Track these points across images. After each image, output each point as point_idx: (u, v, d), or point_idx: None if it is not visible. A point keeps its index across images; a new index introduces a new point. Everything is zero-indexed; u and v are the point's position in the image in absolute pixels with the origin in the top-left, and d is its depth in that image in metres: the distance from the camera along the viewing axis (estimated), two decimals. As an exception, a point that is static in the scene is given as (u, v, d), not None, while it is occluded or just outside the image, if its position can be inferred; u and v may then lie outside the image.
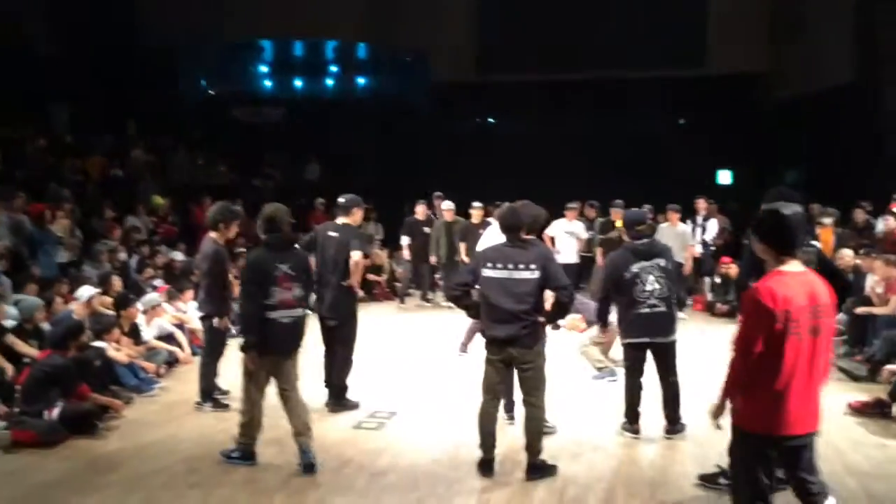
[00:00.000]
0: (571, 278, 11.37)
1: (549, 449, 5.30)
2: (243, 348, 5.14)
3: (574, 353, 7.55)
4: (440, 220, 11.92)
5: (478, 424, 5.13)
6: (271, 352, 5.14)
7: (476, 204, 11.53)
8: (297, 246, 5.69)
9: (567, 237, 11.57)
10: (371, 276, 12.91)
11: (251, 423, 5.28)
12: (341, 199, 6.74)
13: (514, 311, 4.88)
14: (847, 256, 9.86)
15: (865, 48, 14.04)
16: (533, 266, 4.90)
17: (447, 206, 11.94)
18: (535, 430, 5.06)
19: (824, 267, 4.57)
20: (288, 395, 5.25)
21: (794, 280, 3.47)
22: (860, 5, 14.42)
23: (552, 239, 11.42)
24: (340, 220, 6.63)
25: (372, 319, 10.56)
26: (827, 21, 17.13)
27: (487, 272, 4.97)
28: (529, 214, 5.59)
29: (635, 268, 5.69)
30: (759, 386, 3.44)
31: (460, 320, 8.14)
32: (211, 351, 6.76)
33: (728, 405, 3.60)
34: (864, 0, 14.18)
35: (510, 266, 4.91)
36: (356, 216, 6.65)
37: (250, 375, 5.24)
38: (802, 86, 18.14)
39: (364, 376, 7.23)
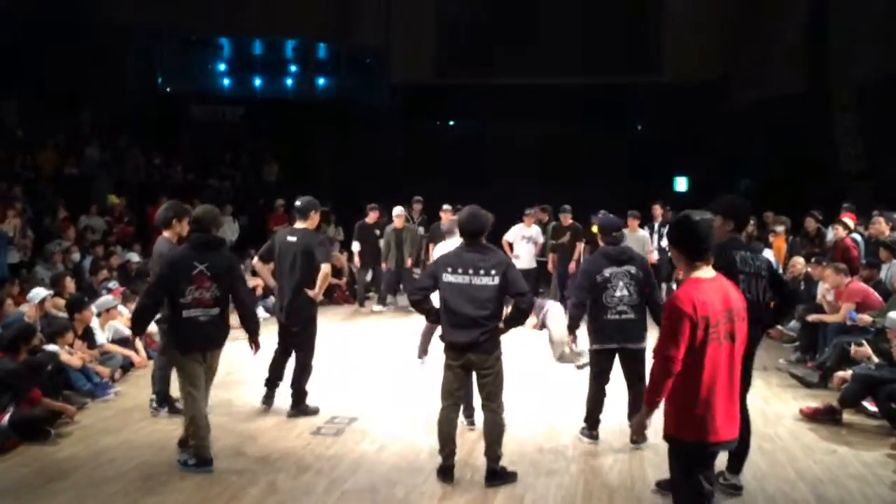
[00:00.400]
0: (530, 283, 11.48)
1: (509, 455, 5.34)
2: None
3: (534, 355, 7.61)
4: (390, 227, 11.81)
5: (438, 430, 5.13)
6: (194, 349, 5.30)
7: (445, 206, 11.55)
8: (223, 247, 5.62)
9: (525, 242, 11.62)
10: (331, 280, 12.81)
11: (195, 423, 5.27)
12: (298, 203, 6.69)
13: (474, 316, 4.89)
14: (799, 265, 10.12)
15: (817, 58, 14.40)
16: (493, 272, 4.90)
17: (397, 211, 11.79)
18: (495, 435, 5.08)
19: (772, 277, 4.77)
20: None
21: (709, 286, 3.50)
22: (811, 16, 14.79)
23: (510, 244, 11.50)
24: (298, 225, 6.59)
25: (331, 323, 10.52)
26: (780, 31, 17.57)
27: (448, 277, 4.97)
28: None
29: (607, 272, 5.74)
30: (684, 394, 3.45)
31: (419, 325, 8.16)
32: (166, 354, 6.64)
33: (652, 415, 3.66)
34: (815, 11, 14.53)
35: (470, 272, 4.92)
36: (314, 219, 6.61)
37: (185, 374, 5.31)
38: (756, 94, 18.56)
39: (323, 381, 7.18)
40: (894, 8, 13.59)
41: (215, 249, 5.38)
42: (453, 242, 6.06)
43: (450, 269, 4.97)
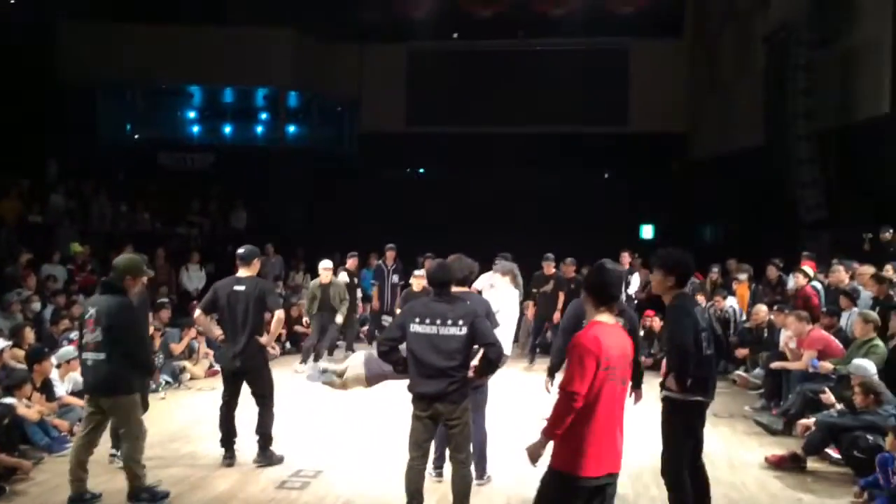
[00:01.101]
0: None
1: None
2: None
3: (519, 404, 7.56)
4: (315, 281, 11.33)
5: (405, 482, 5.07)
6: (88, 390, 5.71)
7: (417, 272, 11.00)
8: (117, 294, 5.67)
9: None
10: (297, 328, 12.73)
11: (74, 462, 5.61)
12: (241, 251, 6.66)
13: (442, 367, 4.87)
14: (762, 312, 10.27)
15: (774, 112, 14.79)
16: (461, 322, 4.89)
17: (324, 265, 11.23)
18: (463, 491, 5.02)
19: (711, 328, 4.94)
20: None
21: (611, 330, 3.76)
22: (768, 72, 15.23)
23: (479, 292, 11.45)
24: (242, 273, 6.54)
25: (296, 371, 10.38)
26: (739, 86, 18.09)
27: (415, 327, 4.95)
28: (465, 267, 5.68)
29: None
30: (574, 428, 3.64)
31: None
32: None
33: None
34: (772, 66, 14.97)
35: (438, 322, 4.90)
36: (255, 267, 6.64)
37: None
38: (718, 146, 19.01)
39: (288, 431, 7.09)
40: (851, 60, 14.05)
41: (109, 295, 5.57)
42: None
43: (417, 319, 4.96)
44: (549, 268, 11.74)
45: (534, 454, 3.77)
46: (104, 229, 15.44)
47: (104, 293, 5.55)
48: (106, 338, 5.37)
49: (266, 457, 6.52)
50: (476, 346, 5.00)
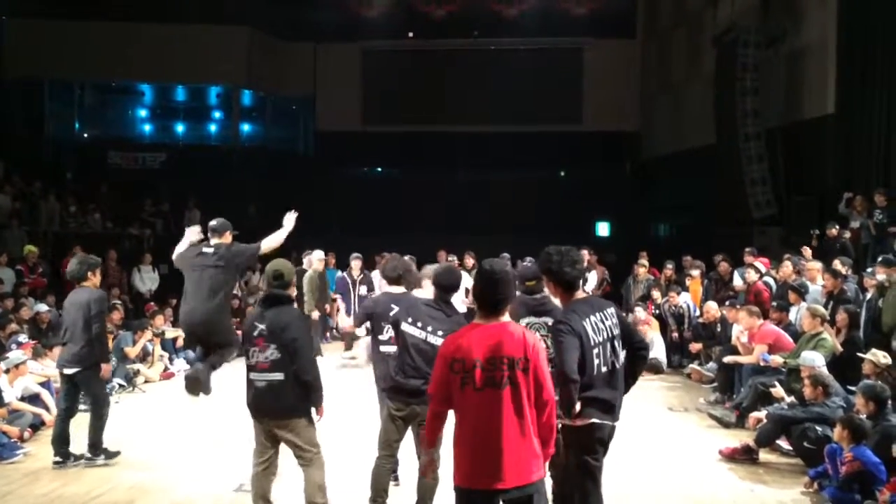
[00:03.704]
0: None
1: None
2: None
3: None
4: (310, 272, 11.32)
5: (371, 480, 5.05)
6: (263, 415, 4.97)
7: (385, 254, 11.33)
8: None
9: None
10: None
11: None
12: (213, 223, 6.35)
13: (424, 370, 4.83)
14: (713, 309, 10.48)
15: (724, 111, 15.11)
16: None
17: (318, 255, 11.42)
18: (430, 489, 4.99)
19: (624, 330, 4.43)
20: None
21: (482, 332, 3.49)
22: (718, 72, 15.55)
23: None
24: (214, 241, 6.25)
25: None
26: (690, 85, 18.44)
27: (405, 326, 4.96)
28: (399, 266, 5.67)
29: (524, 322, 5.70)
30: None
31: (351, 374, 8.07)
32: (105, 401, 6.66)
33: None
34: (722, 66, 15.28)
35: (428, 329, 4.89)
36: (229, 238, 6.36)
37: None
38: (671, 145, 19.36)
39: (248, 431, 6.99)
40: (797, 61, 14.42)
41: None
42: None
43: (410, 319, 4.96)
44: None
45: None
46: (53, 230, 15.06)
47: (273, 306, 4.79)
48: (285, 356, 4.68)
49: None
50: None
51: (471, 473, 3.44)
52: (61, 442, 6.46)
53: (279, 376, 4.66)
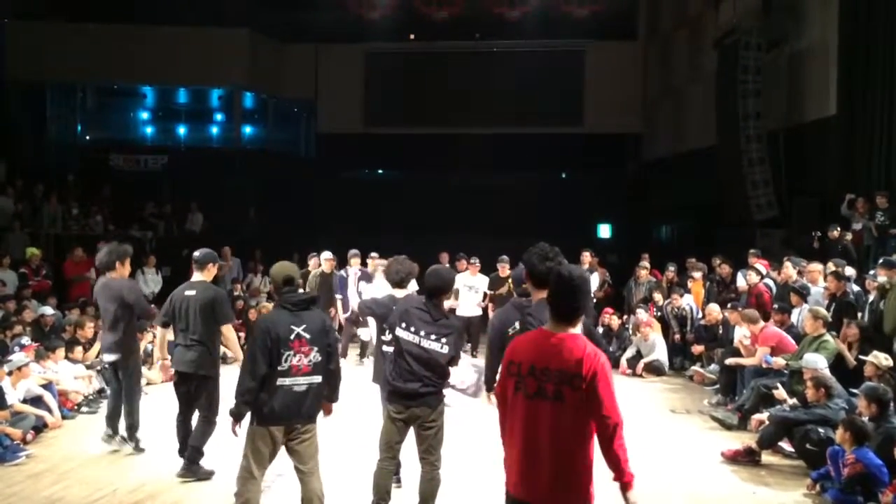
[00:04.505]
0: (473, 331, 11.46)
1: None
2: None
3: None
4: (316, 271, 11.58)
5: (373, 482, 5.05)
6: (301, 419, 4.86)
7: (373, 254, 11.52)
8: None
9: (468, 291, 11.63)
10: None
11: None
12: (196, 254, 6.43)
13: (422, 374, 4.88)
14: (714, 311, 10.48)
15: (726, 113, 15.11)
16: (444, 340, 4.89)
17: (326, 256, 11.59)
18: (431, 490, 5.01)
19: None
20: None
21: (544, 338, 3.35)
22: (720, 74, 15.55)
23: (456, 291, 11.38)
24: (196, 277, 6.33)
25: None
26: (692, 87, 18.44)
27: (401, 332, 4.95)
28: (402, 269, 5.67)
29: (518, 325, 5.32)
30: (506, 441, 3.46)
31: (349, 378, 8.02)
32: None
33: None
34: (723, 69, 15.29)
35: (422, 334, 4.89)
36: (211, 272, 6.40)
37: None
38: (673, 147, 19.36)
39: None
40: (798, 63, 14.42)
41: None
42: (379, 287, 5.93)
43: (404, 325, 4.96)
44: (503, 269, 11.68)
45: None
46: (55, 232, 15.08)
47: (306, 309, 4.72)
48: (324, 358, 4.70)
49: (192, 471, 6.22)
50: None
51: (516, 482, 3.33)
52: (114, 416, 6.87)
53: (318, 379, 4.66)
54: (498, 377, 3.55)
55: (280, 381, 4.54)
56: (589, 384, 3.17)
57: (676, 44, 19.72)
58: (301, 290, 4.96)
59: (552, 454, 3.21)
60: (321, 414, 4.87)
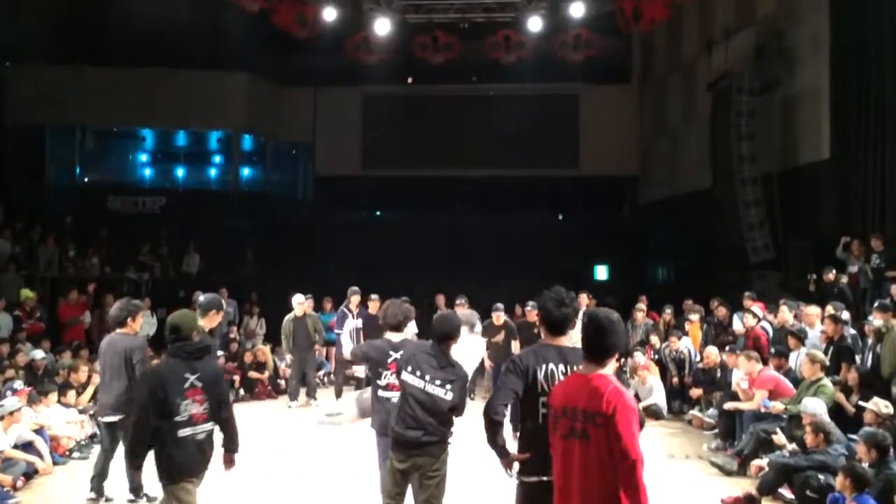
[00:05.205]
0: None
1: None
2: None
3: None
4: (289, 315, 11.71)
5: None
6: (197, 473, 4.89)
7: (373, 296, 11.52)
8: None
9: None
10: (253, 374, 12.54)
11: None
12: (201, 299, 6.38)
13: (424, 421, 4.82)
14: (712, 354, 10.44)
15: (720, 156, 15.24)
16: (449, 386, 4.84)
17: (298, 299, 11.71)
18: None
19: None
20: None
21: (576, 379, 3.52)
22: (713, 117, 15.72)
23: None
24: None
25: (253, 420, 10.19)
26: (686, 130, 18.64)
27: (406, 376, 4.91)
28: (399, 313, 5.65)
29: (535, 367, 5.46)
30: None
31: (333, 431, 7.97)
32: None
33: None
34: (717, 112, 15.46)
35: (427, 378, 4.86)
36: (213, 319, 6.21)
37: None
38: (669, 189, 19.48)
39: (246, 483, 6.91)
40: (791, 107, 14.59)
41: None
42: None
43: (409, 368, 4.92)
44: (497, 318, 11.55)
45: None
46: (51, 275, 15.05)
47: (202, 357, 4.78)
48: (215, 407, 4.75)
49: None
50: None
51: None
52: (101, 478, 6.60)
53: (211, 426, 4.73)
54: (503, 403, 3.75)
55: (182, 433, 4.53)
56: (609, 420, 3.27)
57: (670, 87, 19.97)
58: (196, 338, 4.91)
59: (581, 493, 3.33)
60: (223, 468, 4.88)
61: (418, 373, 4.87)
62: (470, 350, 6.88)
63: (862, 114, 12.52)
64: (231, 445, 4.90)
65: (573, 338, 4.12)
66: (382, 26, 16.87)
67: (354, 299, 11.70)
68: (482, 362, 11.19)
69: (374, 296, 11.66)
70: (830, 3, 13.22)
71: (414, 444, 4.83)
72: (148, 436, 4.51)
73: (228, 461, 4.95)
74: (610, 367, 3.50)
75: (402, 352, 5.21)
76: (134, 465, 4.64)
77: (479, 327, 10.61)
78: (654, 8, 15.62)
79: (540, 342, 4.16)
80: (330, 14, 16.42)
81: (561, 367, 3.93)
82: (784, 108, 14.81)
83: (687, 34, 18.82)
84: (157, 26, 17.70)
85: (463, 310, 11.34)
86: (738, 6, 16.36)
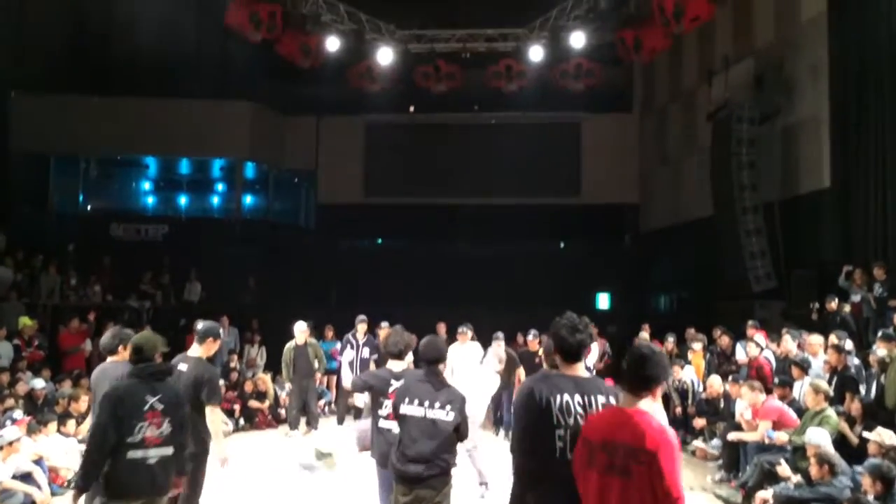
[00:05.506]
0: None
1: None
2: None
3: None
4: (290, 343, 11.52)
5: None
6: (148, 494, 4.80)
7: (384, 323, 11.53)
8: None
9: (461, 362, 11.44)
10: (253, 403, 12.47)
11: None
12: (199, 326, 6.30)
13: (427, 451, 4.80)
14: (716, 384, 10.37)
15: (721, 184, 15.26)
16: (449, 407, 4.85)
17: (300, 327, 11.54)
18: None
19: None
20: None
21: (615, 413, 3.48)
22: (714, 146, 15.77)
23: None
24: (192, 352, 6.15)
25: (253, 450, 10.12)
26: (687, 159, 18.70)
27: (406, 409, 4.89)
28: (400, 342, 5.64)
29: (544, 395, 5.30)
30: None
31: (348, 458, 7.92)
32: None
33: None
34: (717, 141, 15.51)
35: (426, 404, 4.85)
36: (210, 347, 6.18)
37: None
38: (670, 217, 19.51)
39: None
40: (791, 136, 14.65)
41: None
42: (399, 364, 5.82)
43: (407, 400, 4.92)
44: (498, 346, 11.42)
45: None
46: (52, 303, 15.05)
47: (164, 379, 4.82)
48: (177, 429, 4.73)
49: None
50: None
51: None
52: None
53: (169, 451, 4.69)
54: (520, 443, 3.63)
55: (131, 454, 4.51)
56: (653, 458, 3.23)
57: (671, 116, 20.08)
58: (158, 360, 4.93)
59: None
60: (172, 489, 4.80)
61: (417, 401, 4.87)
62: (482, 385, 6.84)
63: (862, 142, 12.56)
64: (181, 468, 4.85)
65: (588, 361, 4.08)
66: (385, 56, 17.04)
67: (361, 327, 11.65)
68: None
69: (384, 324, 11.63)
70: (829, 33, 13.33)
71: (416, 478, 4.80)
72: (106, 457, 4.48)
73: (177, 484, 4.89)
74: (649, 401, 3.41)
75: (398, 385, 5.20)
76: (84, 484, 4.52)
77: (491, 361, 10.59)
78: (654, 38, 15.77)
79: (543, 371, 4.07)
80: (333, 44, 16.59)
81: (577, 398, 3.75)
82: (784, 137, 14.87)
83: (687, 64, 18.98)
84: (160, 55, 17.87)
85: (465, 340, 11.31)
86: (737, 36, 16.51)
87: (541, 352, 9.01)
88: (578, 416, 3.69)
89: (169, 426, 4.66)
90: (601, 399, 3.76)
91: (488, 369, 10.92)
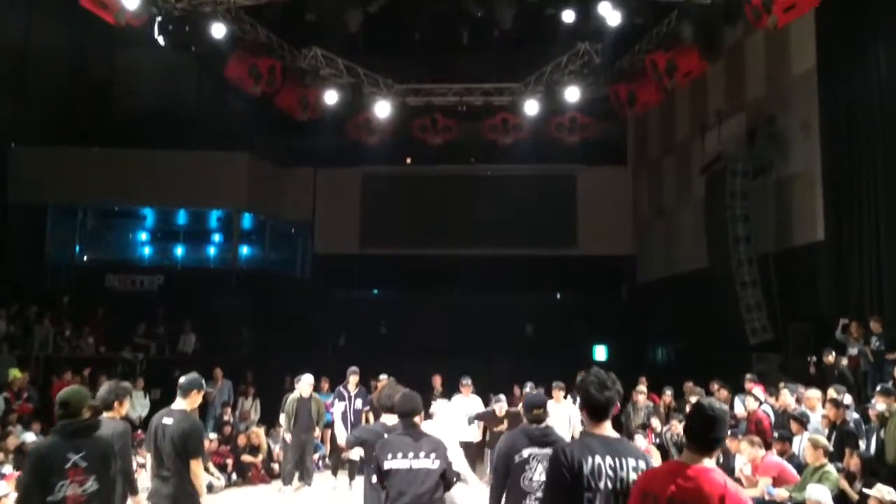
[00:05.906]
0: (470, 455, 11.14)
1: None
2: None
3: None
4: (293, 395, 11.37)
5: None
6: None
7: (382, 376, 11.43)
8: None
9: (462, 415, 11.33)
10: (246, 458, 12.28)
11: None
12: (182, 380, 6.17)
13: (414, 496, 4.86)
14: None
15: (716, 237, 15.34)
16: (433, 455, 4.97)
17: (307, 380, 11.37)
18: None
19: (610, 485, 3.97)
20: None
21: (678, 469, 3.43)
22: (708, 199, 15.89)
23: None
24: (177, 405, 6.04)
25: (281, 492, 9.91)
26: (682, 211, 18.83)
27: (389, 464, 4.93)
28: (395, 395, 5.64)
29: (526, 452, 5.10)
30: None
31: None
32: None
33: None
34: (711, 194, 15.64)
35: (410, 455, 4.95)
36: (194, 400, 6.09)
37: None
38: (666, 269, 19.55)
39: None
40: (786, 187, 14.78)
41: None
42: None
43: (390, 455, 4.97)
44: (500, 410, 11.28)
45: None
46: (45, 354, 14.94)
47: (89, 435, 4.68)
48: (105, 486, 4.60)
49: None
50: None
51: None
52: None
53: None
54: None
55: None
56: None
57: (665, 169, 20.29)
58: (85, 416, 4.76)
59: None
60: None
61: (400, 454, 4.94)
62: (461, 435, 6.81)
63: (855, 196, 12.67)
64: None
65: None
66: (383, 109, 17.26)
67: (353, 379, 11.48)
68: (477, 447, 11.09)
69: (382, 376, 11.49)
70: (819, 87, 13.52)
71: None
72: None
73: None
74: (711, 461, 3.37)
75: (378, 444, 5.23)
76: None
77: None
78: (647, 92, 16.04)
79: (523, 426, 4.34)
80: (331, 97, 16.80)
81: (609, 460, 3.67)
82: (778, 190, 14.99)
83: (680, 118, 19.25)
84: (160, 107, 18.12)
85: (468, 393, 11.24)
86: (729, 91, 16.78)
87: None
88: (608, 480, 3.62)
89: (95, 483, 4.54)
90: (632, 462, 3.69)
91: (473, 428, 10.94)
